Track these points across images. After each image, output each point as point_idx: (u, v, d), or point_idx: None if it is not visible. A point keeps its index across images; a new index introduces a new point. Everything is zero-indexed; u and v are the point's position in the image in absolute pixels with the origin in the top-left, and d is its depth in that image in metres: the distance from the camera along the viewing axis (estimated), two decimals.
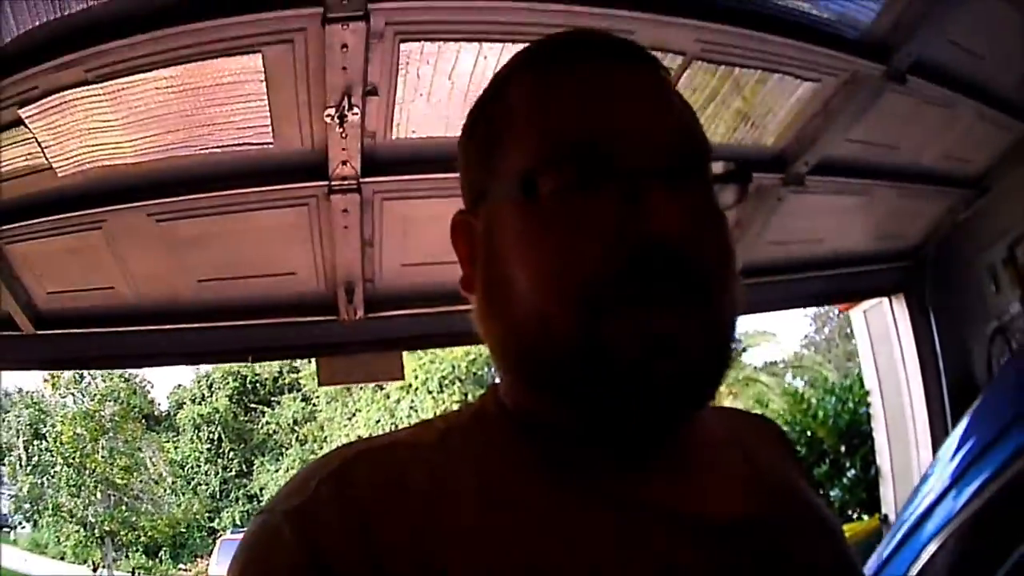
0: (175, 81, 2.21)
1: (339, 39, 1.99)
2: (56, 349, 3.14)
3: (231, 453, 27.30)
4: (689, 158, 0.70)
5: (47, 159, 2.37)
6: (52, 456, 23.14)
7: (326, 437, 25.53)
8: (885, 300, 4.22)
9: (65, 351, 3.18)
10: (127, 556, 24.33)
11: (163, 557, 25.12)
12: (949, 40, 2.75)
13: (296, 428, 26.92)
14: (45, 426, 23.39)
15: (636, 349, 0.65)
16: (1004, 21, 2.73)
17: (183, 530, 25.40)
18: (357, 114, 2.23)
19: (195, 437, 27.25)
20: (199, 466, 27.03)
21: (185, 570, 24.63)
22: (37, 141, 2.31)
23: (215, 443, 27.29)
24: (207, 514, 26.30)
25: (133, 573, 23.28)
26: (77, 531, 23.49)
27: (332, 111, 2.22)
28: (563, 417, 0.70)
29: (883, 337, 4.35)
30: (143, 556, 24.60)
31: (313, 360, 3.48)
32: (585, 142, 0.68)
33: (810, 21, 2.54)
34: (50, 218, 2.59)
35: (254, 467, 27.12)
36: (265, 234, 2.85)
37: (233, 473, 27.10)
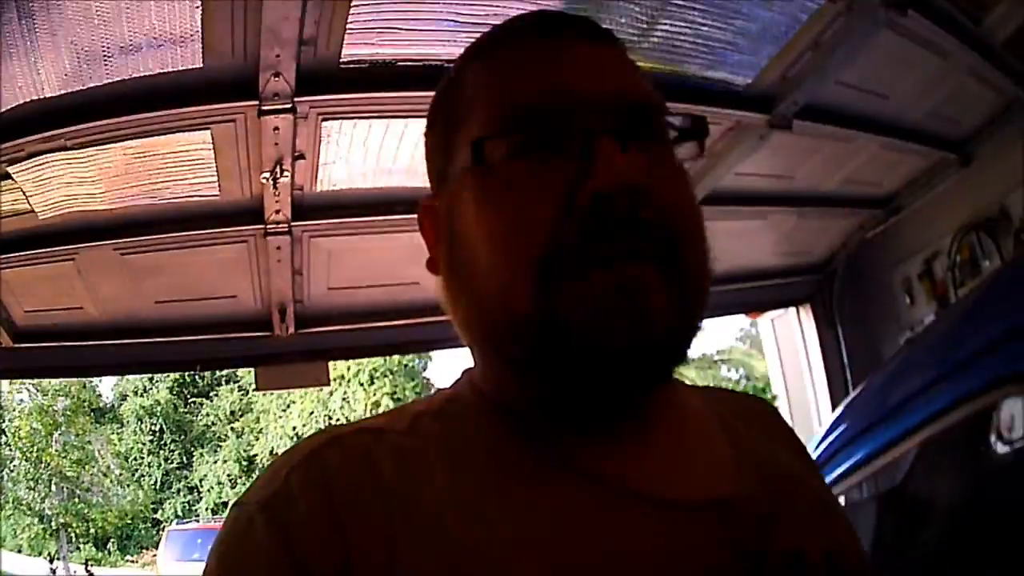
0: (140, 148, 2.45)
1: (271, 124, 2.29)
2: (32, 360, 3.40)
3: (172, 444, 26.63)
4: (640, 117, 0.68)
5: (30, 204, 2.59)
6: (11, 450, 22.41)
7: (262, 428, 24.96)
8: (792, 309, 4.21)
9: (40, 362, 3.45)
10: (79, 548, 23.63)
11: (111, 549, 24.44)
12: (846, 84, 2.77)
13: (233, 419, 26.23)
14: (3, 420, 22.56)
15: (591, 313, 0.61)
16: (907, 60, 2.75)
17: (129, 522, 24.76)
18: (288, 176, 2.53)
19: (138, 429, 26.46)
20: (142, 458, 26.29)
21: (132, 561, 24.00)
22: (22, 191, 2.52)
23: (156, 434, 26.54)
24: (151, 506, 25.56)
25: (86, 564, 22.37)
26: (33, 524, 22.83)
27: (267, 174, 2.52)
28: (529, 392, 0.68)
29: (790, 344, 4.31)
30: (93, 548, 23.92)
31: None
32: (533, 106, 0.66)
33: (691, 84, 2.61)
34: (31, 252, 2.81)
35: (194, 459, 26.40)
36: (211, 265, 3.12)
37: (175, 465, 26.45)
